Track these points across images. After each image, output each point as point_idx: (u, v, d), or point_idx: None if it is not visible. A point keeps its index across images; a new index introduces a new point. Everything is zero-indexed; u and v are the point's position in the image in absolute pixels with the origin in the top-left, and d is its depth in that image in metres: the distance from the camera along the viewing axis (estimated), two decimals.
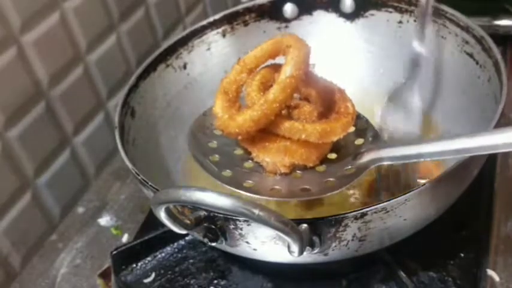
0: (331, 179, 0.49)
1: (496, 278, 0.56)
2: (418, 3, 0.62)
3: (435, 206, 0.50)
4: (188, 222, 0.45)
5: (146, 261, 0.62)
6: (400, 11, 0.67)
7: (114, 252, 0.61)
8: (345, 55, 0.70)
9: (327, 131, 0.47)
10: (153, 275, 0.61)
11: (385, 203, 0.44)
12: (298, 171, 0.50)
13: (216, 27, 0.69)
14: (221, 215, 0.45)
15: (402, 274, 0.54)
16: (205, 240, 0.47)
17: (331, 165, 0.51)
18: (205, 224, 0.46)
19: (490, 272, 0.56)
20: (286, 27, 0.71)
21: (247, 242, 0.47)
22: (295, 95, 0.51)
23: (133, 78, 0.62)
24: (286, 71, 0.46)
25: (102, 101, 0.77)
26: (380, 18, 0.68)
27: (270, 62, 0.52)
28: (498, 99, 0.52)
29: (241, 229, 0.45)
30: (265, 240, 0.46)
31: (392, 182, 0.58)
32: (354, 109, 0.50)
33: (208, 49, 0.69)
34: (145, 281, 0.60)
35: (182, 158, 0.66)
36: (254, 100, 0.48)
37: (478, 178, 0.52)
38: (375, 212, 0.44)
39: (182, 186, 0.61)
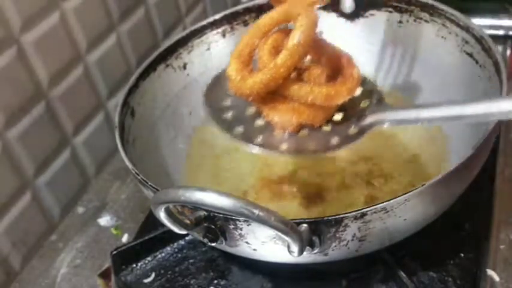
0: (335, 138, 0.50)
1: (496, 278, 0.56)
2: None
3: (435, 206, 0.50)
4: (188, 222, 0.45)
5: (146, 261, 0.62)
6: (400, 11, 0.67)
7: (114, 252, 0.61)
8: None
9: (332, 94, 0.48)
10: (153, 275, 0.61)
11: (385, 203, 0.44)
12: (305, 130, 0.51)
13: (216, 27, 0.69)
14: (221, 215, 0.45)
15: (402, 274, 0.54)
16: (205, 240, 0.47)
17: (337, 126, 0.52)
18: (205, 224, 0.46)
19: (490, 272, 0.56)
20: (286, 27, 0.71)
21: (247, 242, 0.47)
22: (306, 59, 0.52)
23: (133, 79, 0.62)
24: (295, 38, 0.47)
25: (102, 101, 0.77)
26: (380, 18, 0.68)
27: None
28: None
29: (241, 229, 0.45)
30: (265, 240, 0.46)
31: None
32: (360, 75, 0.50)
33: (208, 49, 0.69)
34: (145, 281, 0.60)
35: (182, 157, 0.66)
36: (265, 64, 0.49)
37: (478, 178, 0.52)
38: (375, 212, 0.44)
39: (182, 186, 0.61)
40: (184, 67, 0.68)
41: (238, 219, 0.44)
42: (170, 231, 0.46)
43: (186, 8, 0.93)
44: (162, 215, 0.43)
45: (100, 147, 0.77)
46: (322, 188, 0.62)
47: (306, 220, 0.44)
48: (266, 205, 0.39)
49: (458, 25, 0.62)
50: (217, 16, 0.69)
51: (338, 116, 0.52)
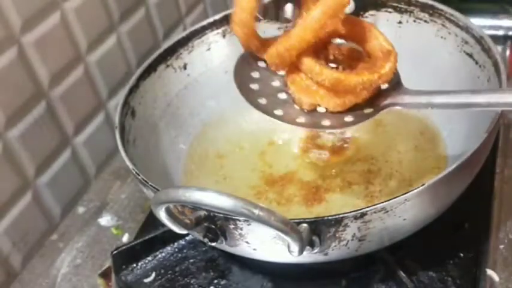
0: (349, 116, 0.51)
1: (496, 277, 0.56)
2: None
3: (435, 206, 0.50)
4: (188, 222, 0.45)
5: (146, 261, 0.62)
6: (400, 11, 0.67)
7: (115, 252, 0.61)
8: None
9: (340, 79, 0.49)
10: (154, 274, 0.61)
11: (384, 203, 0.44)
12: (321, 107, 0.52)
13: (216, 27, 0.69)
14: (221, 215, 0.45)
15: (402, 274, 0.54)
16: (205, 240, 0.47)
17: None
18: (205, 224, 0.46)
19: (490, 271, 0.56)
20: (287, 27, 0.71)
21: (247, 242, 0.47)
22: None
23: (133, 79, 0.62)
24: (310, 14, 0.48)
25: (103, 101, 0.77)
26: (380, 19, 0.68)
27: None
28: None
29: (241, 229, 0.45)
30: (265, 240, 0.46)
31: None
32: (388, 76, 0.50)
33: (209, 49, 0.69)
34: (146, 280, 0.60)
35: (182, 158, 0.66)
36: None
37: (478, 178, 0.52)
38: (375, 212, 0.45)
39: (182, 186, 0.62)
40: (185, 67, 0.68)
41: (238, 219, 0.45)
42: (170, 231, 0.46)
43: (186, 8, 0.93)
44: (162, 215, 0.43)
45: (100, 147, 0.77)
46: (322, 188, 0.62)
47: (306, 220, 0.44)
48: (267, 205, 0.40)
49: (457, 25, 0.62)
50: (217, 16, 0.69)
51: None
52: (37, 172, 0.67)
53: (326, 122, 0.51)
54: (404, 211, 0.46)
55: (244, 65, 0.55)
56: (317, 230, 0.45)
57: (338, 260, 0.50)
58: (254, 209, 0.38)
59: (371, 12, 0.69)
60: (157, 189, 0.48)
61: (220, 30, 0.69)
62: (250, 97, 0.52)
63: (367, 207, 0.44)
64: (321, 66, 0.49)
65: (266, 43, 0.53)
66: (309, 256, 0.47)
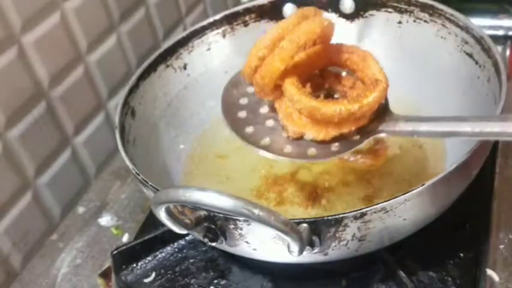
0: (336, 144, 0.50)
1: (496, 277, 0.56)
2: None
3: (435, 206, 0.50)
4: (188, 222, 0.45)
5: (146, 261, 0.62)
6: (400, 11, 0.67)
7: (115, 252, 0.61)
8: None
9: (317, 108, 0.47)
10: (154, 274, 0.61)
11: (384, 203, 0.44)
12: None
13: (216, 27, 0.69)
14: (221, 215, 0.45)
15: (402, 274, 0.54)
16: (205, 240, 0.47)
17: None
18: (205, 224, 0.46)
19: (490, 271, 0.56)
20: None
21: (247, 242, 0.47)
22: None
23: (133, 79, 0.62)
24: (284, 42, 0.48)
25: (103, 102, 0.77)
26: (380, 19, 0.69)
27: None
28: (497, 99, 0.52)
29: (241, 229, 0.45)
30: (265, 240, 0.46)
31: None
32: (369, 107, 0.48)
33: (209, 49, 0.69)
34: (146, 280, 0.60)
35: (182, 158, 0.66)
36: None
37: (477, 178, 0.52)
38: (375, 212, 0.45)
39: (182, 186, 0.61)
40: (185, 67, 0.68)
41: (238, 219, 0.45)
42: (170, 231, 0.46)
43: (186, 9, 0.93)
44: (162, 215, 0.43)
45: (100, 147, 0.77)
46: (323, 188, 0.62)
47: (306, 220, 0.44)
48: (267, 205, 0.40)
49: (457, 25, 0.62)
50: (217, 16, 0.69)
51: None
52: (37, 172, 0.67)
53: (312, 152, 0.49)
54: (405, 211, 0.46)
55: (232, 91, 0.54)
56: (317, 230, 0.45)
57: (338, 260, 0.50)
58: (254, 209, 0.38)
59: (371, 12, 0.69)
60: (157, 189, 0.48)
61: (220, 30, 0.69)
62: (237, 126, 0.51)
63: (367, 207, 0.44)
64: (301, 93, 0.48)
65: None
66: (309, 256, 0.47)
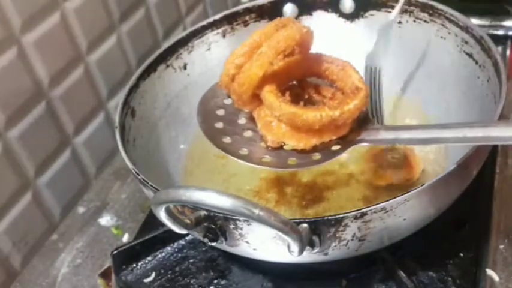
0: (316, 154, 0.49)
1: (496, 277, 0.56)
2: None
3: (435, 206, 0.50)
4: (188, 222, 0.45)
5: (146, 261, 0.62)
6: (400, 11, 0.67)
7: (115, 252, 0.61)
8: (345, 55, 0.70)
9: (297, 114, 0.47)
10: (154, 274, 0.61)
11: (384, 203, 0.44)
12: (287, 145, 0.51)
13: (216, 27, 0.69)
14: (221, 215, 0.45)
15: (402, 274, 0.54)
16: (205, 240, 0.47)
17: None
18: (205, 224, 0.46)
19: (490, 271, 0.56)
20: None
21: (247, 242, 0.47)
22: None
23: (133, 79, 0.62)
24: (262, 48, 0.47)
25: (103, 101, 0.77)
26: (380, 19, 0.68)
27: None
28: (498, 99, 0.52)
29: (241, 229, 0.45)
30: (265, 240, 0.46)
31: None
32: (350, 114, 0.48)
33: (209, 49, 0.69)
34: (146, 280, 0.60)
35: (182, 157, 0.66)
36: None
37: (477, 178, 0.52)
38: (375, 212, 0.45)
39: (182, 186, 0.61)
40: (185, 67, 0.68)
41: (238, 219, 0.45)
42: (170, 231, 0.46)
43: (186, 9, 0.93)
44: (162, 215, 0.43)
45: (100, 147, 0.77)
46: (323, 188, 0.62)
47: (306, 220, 0.44)
48: (267, 205, 0.40)
49: (457, 25, 0.62)
50: (217, 16, 0.69)
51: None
52: (37, 172, 0.67)
53: (292, 161, 0.49)
54: (405, 211, 0.46)
55: (208, 102, 0.54)
56: (317, 230, 0.45)
57: (338, 260, 0.50)
58: (254, 209, 0.38)
59: (371, 12, 0.69)
60: (157, 189, 0.48)
61: (220, 30, 0.69)
62: (214, 137, 0.51)
63: (367, 207, 0.44)
64: (280, 101, 0.48)
65: None
66: (309, 256, 0.47)
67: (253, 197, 0.63)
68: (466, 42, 0.61)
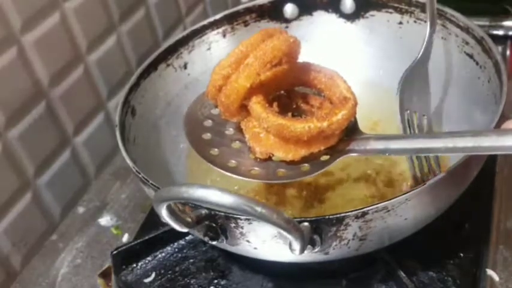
0: (305, 165, 0.49)
1: (496, 277, 0.56)
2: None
3: (435, 206, 0.50)
4: (189, 220, 0.45)
5: (146, 261, 0.62)
6: (401, 11, 0.67)
7: (115, 252, 0.61)
8: (345, 56, 0.70)
9: (285, 125, 0.47)
10: (154, 274, 0.61)
11: (385, 202, 0.44)
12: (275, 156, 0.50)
13: (216, 27, 0.69)
14: (222, 213, 0.45)
15: (402, 274, 0.54)
16: (206, 238, 0.47)
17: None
18: (206, 222, 0.46)
19: (490, 271, 0.56)
20: (287, 27, 0.71)
21: (247, 241, 0.47)
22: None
23: (134, 77, 0.62)
24: (249, 59, 0.47)
25: (103, 101, 0.77)
26: (380, 19, 0.69)
27: None
28: (498, 99, 0.52)
29: (242, 227, 0.45)
30: (266, 239, 0.46)
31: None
32: (339, 125, 0.48)
33: (209, 49, 0.69)
34: (146, 280, 0.60)
35: (183, 156, 0.66)
36: None
37: (478, 178, 0.52)
38: (376, 211, 0.45)
39: (184, 183, 0.61)
40: (185, 67, 0.68)
41: (239, 218, 0.44)
42: (170, 231, 0.46)
43: (186, 8, 0.93)
44: (164, 213, 0.43)
45: (100, 147, 0.77)
46: (324, 187, 0.62)
47: (308, 218, 0.44)
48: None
49: (458, 26, 0.62)
50: (217, 16, 0.69)
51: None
52: (37, 172, 0.67)
53: (281, 172, 0.49)
54: (405, 210, 0.46)
55: (195, 113, 0.54)
56: (318, 229, 0.45)
57: (338, 259, 0.50)
58: (256, 207, 0.38)
59: (371, 12, 0.69)
60: (158, 188, 0.48)
61: (220, 30, 0.69)
62: (201, 148, 0.51)
63: (369, 206, 0.44)
64: (268, 112, 0.48)
65: None
66: (310, 255, 0.47)
67: (254, 197, 0.63)
68: (467, 43, 0.61)
